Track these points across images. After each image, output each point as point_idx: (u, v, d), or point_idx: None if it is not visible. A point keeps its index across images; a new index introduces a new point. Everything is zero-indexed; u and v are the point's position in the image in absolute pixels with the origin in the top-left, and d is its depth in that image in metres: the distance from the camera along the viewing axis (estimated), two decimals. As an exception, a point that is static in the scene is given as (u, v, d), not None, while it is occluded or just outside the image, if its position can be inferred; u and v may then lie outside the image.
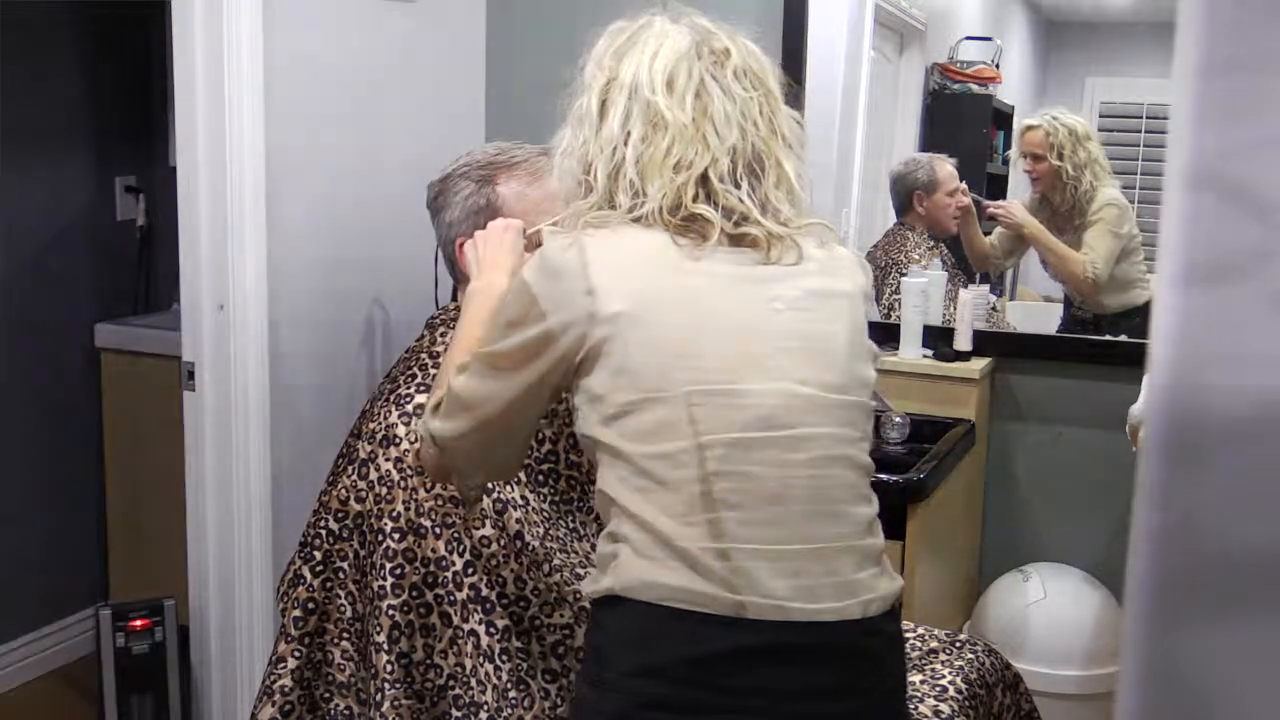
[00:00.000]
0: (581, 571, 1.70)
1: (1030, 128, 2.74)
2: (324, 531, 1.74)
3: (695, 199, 1.31)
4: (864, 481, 1.33)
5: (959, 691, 1.80)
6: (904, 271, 2.75)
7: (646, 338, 1.28)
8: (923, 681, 1.82)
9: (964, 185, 2.80)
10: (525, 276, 1.34)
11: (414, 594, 1.64)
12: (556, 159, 1.43)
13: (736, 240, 1.32)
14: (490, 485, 1.69)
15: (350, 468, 1.74)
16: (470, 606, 1.64)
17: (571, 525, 1.78)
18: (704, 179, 1.32)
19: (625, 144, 1.34)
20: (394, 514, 1.67)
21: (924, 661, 1.88)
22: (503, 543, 1.66)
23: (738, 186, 1.33)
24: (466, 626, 1.63)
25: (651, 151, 1.33)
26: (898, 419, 2.53)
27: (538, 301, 1.31)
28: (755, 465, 1.26)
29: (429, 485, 1.68)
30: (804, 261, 1.34)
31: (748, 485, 1.25)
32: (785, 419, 1.27)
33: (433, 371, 1.78)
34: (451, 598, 1.64)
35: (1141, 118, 2.78)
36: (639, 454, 1.27)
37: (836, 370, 1.32)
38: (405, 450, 1.69)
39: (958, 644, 1.92)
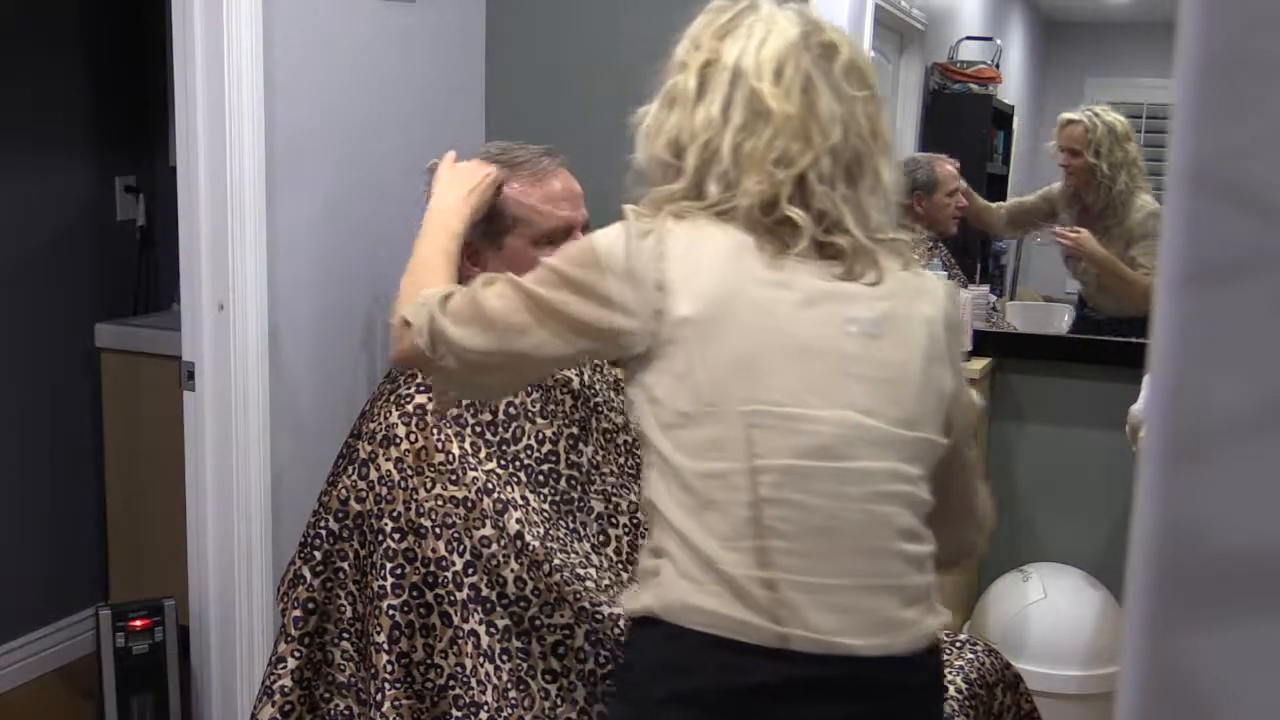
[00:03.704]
0: (581, 572, 1.70)
1: (1070, 121, 2.71)
2: (324, 531, 1.74)
3: (791, 200, 1.24)
4: (919, 520, 1.26)
5: (959, 691, 1.80)
6: (904, 271, 2.75)
7: (712, 348, 1.21)
8: (923, 681, 1.82)
9: (1055, 227, 2.75)
10: (598, 245, 1.27)
11: (414, 594, 1.65)
12: (640, 136, 1.34)
13: (821, 248, 1.25)
14: (490, 485, 1.69)
15: (350, 468, 1.74)
16: (470, 607, 1.64)
17: (571, 525, 1.78)
18: (801, 179, 1.24)
19: (724, 131, 1.26)
20: (394, 514, 1.67)
21: (924, 661, 1.89)
22: (503, 543, 1.66)
23: (833, 190, 1.25)
24: (467, 627, 1.63)
25: (753, 143, 1.25)
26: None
27: (605, 280, 1.25)
28: (808, 495, 1.20)
29: (429, 485, 1.68)
30: (884, 281, 1.27)
31: (799, 515, 1.20)
32: (844, 450, 1.21)
33: (433, 371, 1.78)
34: (452, 598, 1.64)
35: (1141, 118, 2.78)
36: (690, 469, 1.22)
37: (905, 403, 1.25)
38: (406, 451, 1.69)
39: (958, 644, 1.92)
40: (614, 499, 1.85)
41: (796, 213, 1.23)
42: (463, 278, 1.86)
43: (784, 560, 1.19)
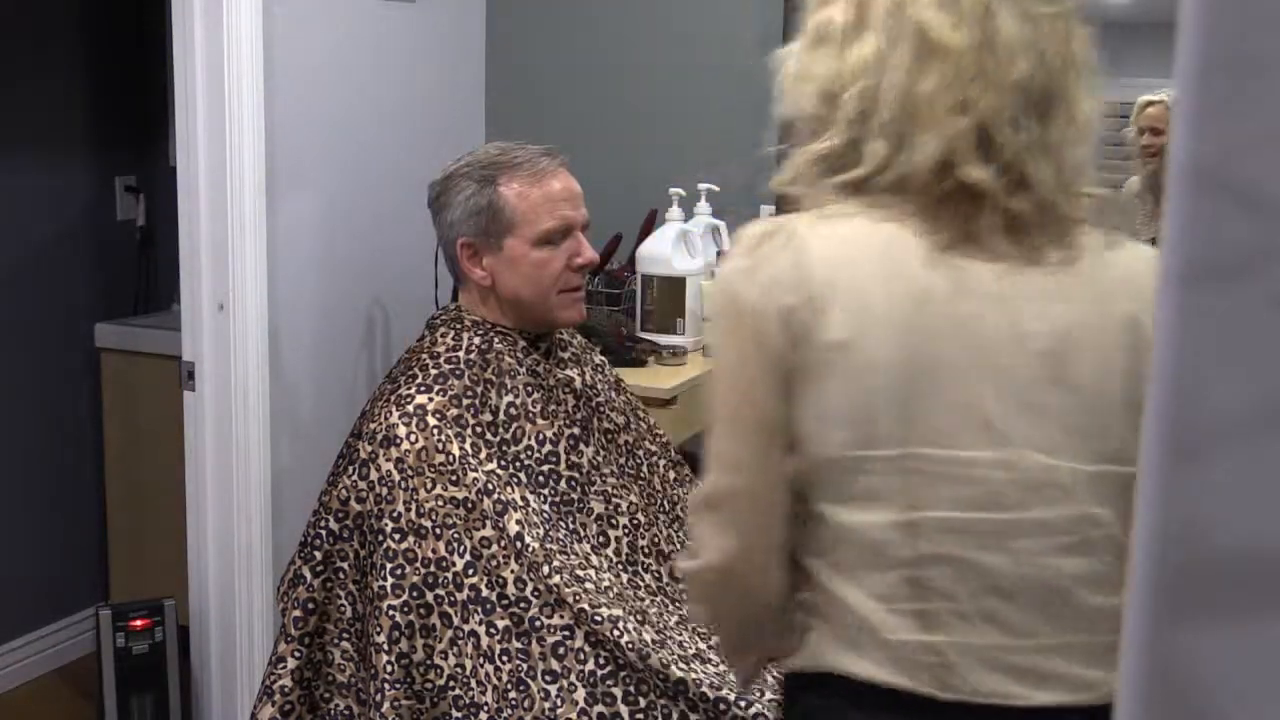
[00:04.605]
0: (581, 573, 1.70)
1: (1151, 103, 2.73)
2: (324, 531, 1.74)
3: (970, 157, 1.03)
4: (1117, 565, 1.05)
5: (959, 692, 1.80)
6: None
7: (863, 377, 1.02)
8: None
9: None
10: (736, 286, 1.07)
11: (414, 594, 1.65)
12: (787, 83, 1.13)
13: (1004, 215, 1.04)
14: (491, 486, 1.69)
15: (350, 468, 1.74)
16: (470, 607, 1.64)
17: (571, 527, 1.78)
18: (981, 128, 1.03)
19: (885, 72, 1.04)
20: (394, 514, 1.67)
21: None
22: (503, 544, 1.66)
23: (1019, 133, 1.03)
24: (467, 627, 1.63)
25: (922, 86, 1.03)
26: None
27: (744, 314, 1.06)
28: (976, 552, 1.03)
29: (429, 486, 1.68)
30: (1076, 267, 1.05)
31: (966, 574, 1.03)
32: (1017, 498, 1.02)
33: (433, 371, 1.77)
34: (452, 598, 1.64)
35: (1142, 118, 2.78)
36: (837, 520, 1.05)
37: (1101, 434, 1.04)
38: (406, 451, 1.69)
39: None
40: (614, 500, 1.85)
41: (979, 173, 1.02)
42: (463, 276, 1.87)
43: (951, 622, 1.03)
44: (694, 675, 1.62)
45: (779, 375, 1.05)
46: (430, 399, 1.73)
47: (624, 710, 1.62)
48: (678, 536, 1.93)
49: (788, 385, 1.05)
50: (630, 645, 1.63)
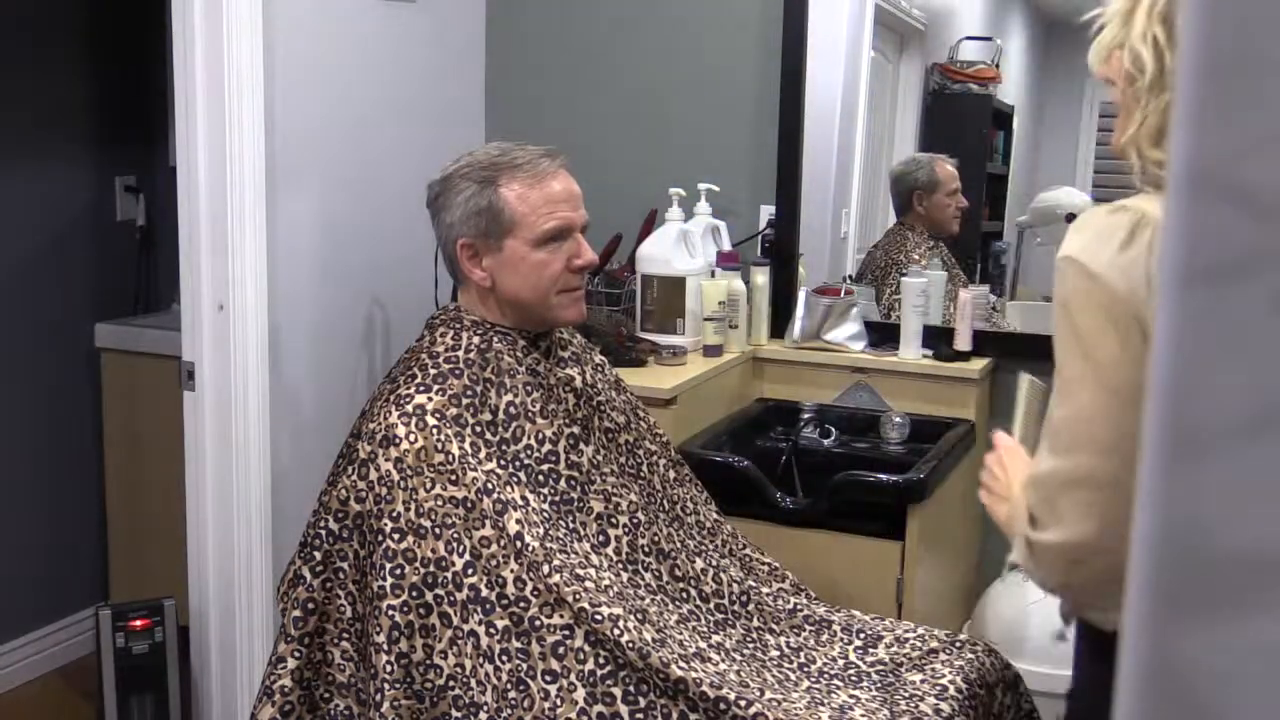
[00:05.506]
0: (581, 572, 1.70)
1: None
2: (324, 532, 1.74)
3: None
4: None
5: (959, 691, 1.80)
6: (904, 271, 2.75)
7: None
8: (923, 681, 1.82)
9: None
10: (1111, 277, 1.11)
11: (414, 594, 1.65)
12: (1099, 43, 1.16)
13: None
14: (490, 485, 1.69)
15: (350, 468, 1.74)
16: (470, 607, 1.64)
17: (571, 526, 1.78)
18: None
19: None
20: (394, 514, 1.67)
21: (924, 661, 1.88)
22: (502, 543, 1.66)
23: None
24: (466, 627, 1.63)
25: None
26: (897, 419, 2.53)
27: (1121, 305, 1.11)
28: None
29: (429, 486, 1.68)
30: None
31: None
32: None
33: (432, 371, 1.77)
34: (451, 598, 1.64)
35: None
36: None
37: None
38: (405, 450, 1.69)
39: (958, 644, 1.92)
40: (614, 499, 1.85)
41: None
42: (462, 276, 1.87)
43: None
44: (694, 675, 1.62)
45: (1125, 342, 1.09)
46: (429, 399, 1.73)
47: (624, 710, 1.62)
48: (677, 535, 1.93)
49: None
50: (630, 644, 1.63)
